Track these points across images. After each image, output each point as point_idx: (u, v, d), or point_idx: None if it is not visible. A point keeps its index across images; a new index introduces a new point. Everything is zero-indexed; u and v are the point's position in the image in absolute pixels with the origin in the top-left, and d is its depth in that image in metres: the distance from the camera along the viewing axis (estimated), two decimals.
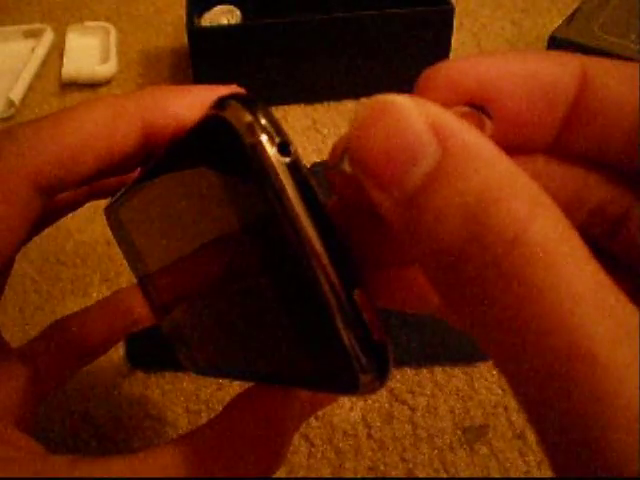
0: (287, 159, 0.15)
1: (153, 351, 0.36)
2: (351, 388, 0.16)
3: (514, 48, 0.61)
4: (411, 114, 0.13)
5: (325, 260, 0.14)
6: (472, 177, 0.12)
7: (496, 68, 0.14)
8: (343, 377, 0.16)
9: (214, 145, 0.15)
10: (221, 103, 0.15)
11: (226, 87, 0.21)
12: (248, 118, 0.14)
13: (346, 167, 0.14)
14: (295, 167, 0.15)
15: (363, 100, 0.13)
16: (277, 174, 0.15)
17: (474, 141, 0.12)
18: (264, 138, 0.14)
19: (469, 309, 0.12)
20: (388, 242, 0.16)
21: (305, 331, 0.16)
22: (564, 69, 0.14)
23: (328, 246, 0.15)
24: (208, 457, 0.18)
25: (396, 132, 0.13)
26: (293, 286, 0.16)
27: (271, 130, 0.15)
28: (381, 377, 0.16)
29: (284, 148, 0.15)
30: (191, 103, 0.20)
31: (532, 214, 0.11)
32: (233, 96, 0.15)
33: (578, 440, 0.10)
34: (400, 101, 0.13)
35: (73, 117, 0.19)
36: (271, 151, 0.15)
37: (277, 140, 0.15)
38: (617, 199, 0.14)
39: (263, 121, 0.15)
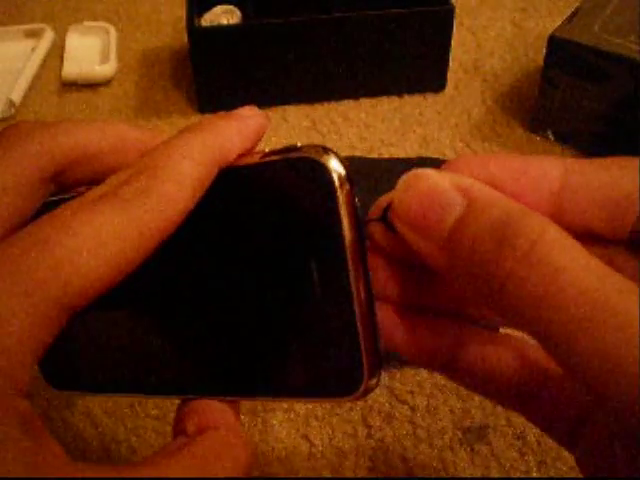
0: (356, 204, 0.19)
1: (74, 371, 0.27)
2: (351, 392, 0.19)
3: (514, 48, 0.61)
4: (438, 179, 0.17)
5: (361, 278, 0.19)
6: (493, 209, 0.16)
7: (500, 167, 0.18)
8: (345, 382, 0.19)
9: (304, 179, 0.19)
10: (318, 149, 0.19)
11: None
12: (343, 171, 0.19)
13: (393, 223, 0.19)
14: (356, 211, 0.19)
15: (403, 176, 0.17)
16: (347, 216, 0.19)
17: (489, 191, 0.17)
18: (347, 187, 0.19)
19: (508, 303, 0.16)
20: (412, 283, 0.21)
21: (317, 337, 0.20)
22: (551, 167, 0.18)
23: (364, 271, 0.19)
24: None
25: (429, 192, 0.17)
26: (320, 298, 0.19)
27: (349, 185, 0.19)
28: (378, 382, 0.20)
29: (351, 187, 0.19)
30: (249, 139, 0.21)
31: (545, 224, 0.16)
32: (327, 148, 0.19)
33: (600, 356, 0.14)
34: (429, 172, 0.18)
35: (170, 173, 0.18)
36: (345, 195, 0.19)
37: (351, 191, 0.19)
38: None
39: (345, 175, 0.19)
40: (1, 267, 0.16)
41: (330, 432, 0.33)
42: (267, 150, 0.20)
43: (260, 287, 0.21)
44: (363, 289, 0.19)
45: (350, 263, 0.19)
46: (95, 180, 0.21)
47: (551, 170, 0.18)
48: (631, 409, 0.14)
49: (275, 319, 0.20)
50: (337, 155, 0.19)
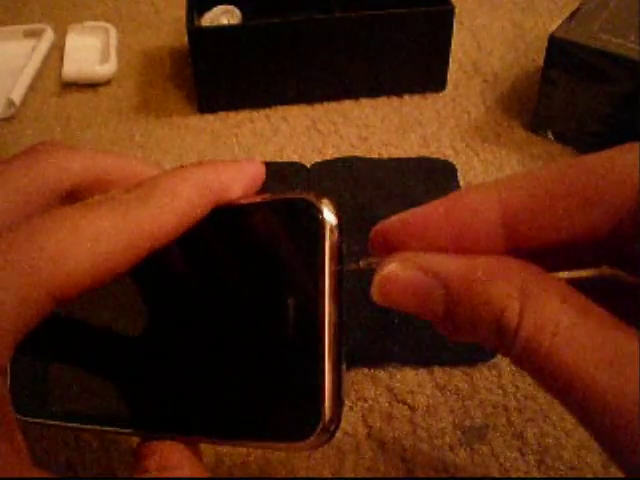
0: (342, 254, 0.19)
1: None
2: (304, 435, 0.19)
3: (514, 48, 0.61)
4: (405, 271, 0.18)
5: (334, 330, 0.19)
6: (469, 293, 0.17)
7: (431, 224, 0.19)
8: (302, 425, 0.19)
9: (296, 221, 0.19)
10: (314, 195, 0.20)
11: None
12: (335, 220, 0.19)
13: (375, 299, 0.19)
14: (341, 261, 0.19)
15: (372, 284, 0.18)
16: (331, 264, 0.19)
17: (456, 264, 0.18)
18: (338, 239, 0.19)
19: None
20: None
21: (279, 381, 0.20)
22: (485, 203, 0.18)
23: (339, 318, 0.19)
24: None
25: (408, 290, 0.18)
26: (291, 342, 0.19)
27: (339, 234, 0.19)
28: (334, 431, 0.19)
29: (340, 234, 0.19)
30: (247, 182, 0.22)
31: (523, 298, 0.16)
32: (324, 195, 0.20)
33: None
34: (390, 269, 0.18)
35: (169, 190, 0.19)
36: (332, 241, 0.19)
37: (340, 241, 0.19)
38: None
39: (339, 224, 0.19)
40: (1, 245, 0.17)
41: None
42: (267, 195, 0.21)
43: (232, 325, 0.21)
44: (335, 334, 0.19)
45: (326, 309, 0.19)
46: None
47: (483, 197, 0.18)
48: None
49: (241, 358, 0.21)
50: (332, 202, 0.19)
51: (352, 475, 0.31)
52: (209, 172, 0.21)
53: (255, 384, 0.20)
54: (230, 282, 0.21)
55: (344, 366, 0.19)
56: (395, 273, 0.18)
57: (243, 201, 0.21)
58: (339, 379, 0.19)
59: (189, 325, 0.21)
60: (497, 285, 0.17)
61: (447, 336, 0.19)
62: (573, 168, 0.19)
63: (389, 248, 0.19)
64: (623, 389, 0.15)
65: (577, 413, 0.16)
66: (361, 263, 0.20)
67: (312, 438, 0.19)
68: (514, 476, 0.31)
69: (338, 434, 0.32)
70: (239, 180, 0.21)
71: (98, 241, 0.17)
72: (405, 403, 0.34)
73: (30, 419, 0.23)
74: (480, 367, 0.35)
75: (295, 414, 0.19)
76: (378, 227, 0.20)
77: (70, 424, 0.24)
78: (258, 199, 0.21)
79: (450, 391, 0.34)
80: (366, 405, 0.34)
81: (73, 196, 0.23)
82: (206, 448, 0.29)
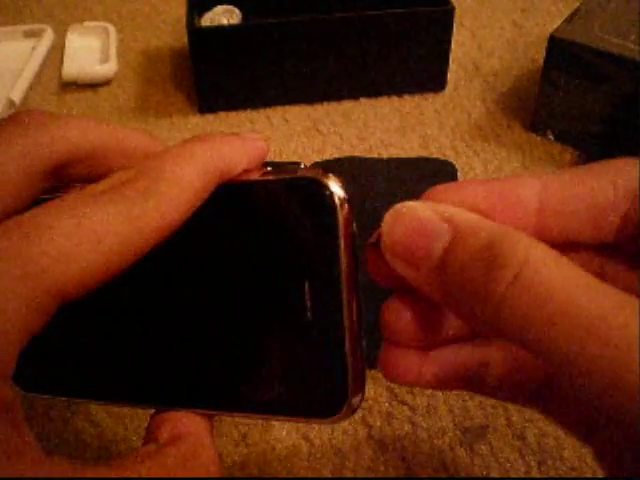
0: (354, 228, 0.19)
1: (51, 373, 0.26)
2: (331, 412, 0.19)
3: (514, 48, 0.61)
4: (422, 210, 0.18)
5: (353, 305, 0.19)
6: (478, 235, 0.17)
7: (477, 192, 0.19)
8: (329, 401, 0.19)
9: (306, 199, 0.19)
10: (319, 171, 0.19)
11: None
12: (344, 194, 0.19)
13: (382, 231, 0.19)
14: (354, 235, 0.19)
15: (389, 210, 0.18)
16: (345, 238, 0.19)
17: (472, 216, 0.18)
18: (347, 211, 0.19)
19: (503, 324, 0.16)
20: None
21: (304, 358, 0.20)
22: (527, 186, 0.19)
23: (356, 293, 0.19)
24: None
25: (415, 224, 0.18)
26: (312, 318, 0.19)
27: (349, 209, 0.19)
28: (359, 405, 0.20)
29: (351, 211, 0.19)
30: (250, 158, 0.21)
31: (530, 244, 0.16)
32: (328, 170, 0.19)
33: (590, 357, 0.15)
34: (413, 204, 0.18)
35: (172, 176, 0.18)
36: (344, 218, 0.19)
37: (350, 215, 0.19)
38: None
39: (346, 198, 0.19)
40: (1, 247, 0.16)
41: (330, 432, 0.33)
42: (268, 168, 0.21)
43: (250, 303, 0.20)
44: (355, 311, 0.19)
45: (344, 285, 0.19)
46: (93, 178, 0.21)
47: (528, 189, 0.19)
48: (631, 423, 0.14)
49: (263, 335, 0.20)
50: (338, 178, 0.19)
51: (352, 475, 0.31)
52: (214, 150, 0.20)
53: (278, 361, 0.20)
54: (245, 262, 0.20)
55: (364, 341, 0.19)
56: (412, 207, 0.18)
57: (247, 178, 0.20)
58: (361, 354, 0.19)
59: (205, 305, 0.21)
60: (507, 231, 0.17)
61: (424, 294, 0.18)
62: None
63: None
64: (615, 313, 0.15)
65: (561, 341, 0.15)
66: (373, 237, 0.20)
67: (339, 414, 0.19)
68: (514, 476, 0.31)
69: (338, 434, 0.32)
70: (243, 156, 0.20)
71: (103, 240, 0.17)
72: (405, 403, 0.34)
73: (38, 394, 0.23)
74: None
75: (320, 391, 0.20)
76: (430, 192, 0.20)
77: (82, 400, 0.24)
78: (262, 176, 0.20)
79: (450, 391, 0.34)
80: (366, 405, 0.34)
81: (60, 170, 0.21)
82: None
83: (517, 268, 0.16)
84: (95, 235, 0.17)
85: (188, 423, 0.20)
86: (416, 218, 0.18)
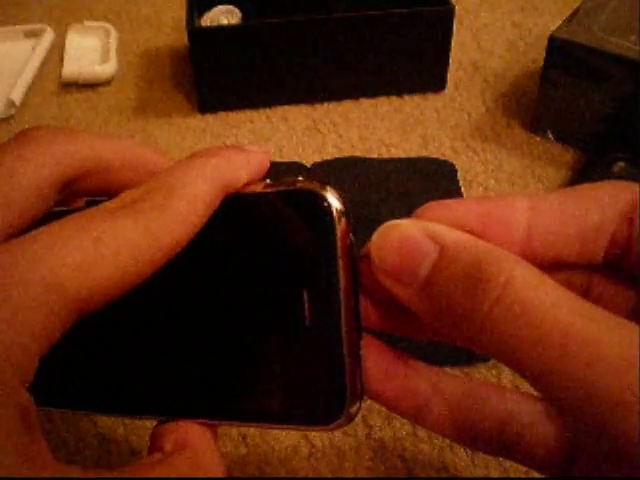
0: (351, 239, 0.20)
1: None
2: (330, 419, 0.20)
3: (514, 48, 0.61)
4: (410, 228, 0.18)
5: (352, 313, 0.19)
6: (464, 253, 0.17)
7: (466, 211, 0.19)
8: (328, 409, 0.20)
9: (304, 210, 0.20)
10: (317, 184, 0.20)
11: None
12: (342, 207, 0.20)
13: (371, 248, 0.19)
14: (352, 245, 0.20)
15: (378, 228, 0.19)
16: (342, 250, 0.19)
17: (459, 235, 0.18)
18: (344, 224, 0.20)
19: (487, 342, 0.16)
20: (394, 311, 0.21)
21: (302, 366, 0.20)
22: (516, 206, 0.19)
23: (355, 303, 0.20)
24: None
25: (403, 242, 0.18)
26: (310, 328, 0.20)
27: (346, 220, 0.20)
28: (358, 412, 0.20)
29: (348, 222, 0.20)
30: (253, 171, 0.22)
31: (514, 263, 0.16)
32: (326, 183, 0.20)
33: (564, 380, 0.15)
34: (401, 222, 0.19)
35: (184, 192, 0.19)
36: (342, 229, 0.20)
37: (349, 228, 0.20)
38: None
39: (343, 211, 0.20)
40: (23, 258, 0.16)
41: (330, 432, 0.33)
42: (267, 180, 0.21)
43: (249, 313, 0.21)
44: (353, 320, 0.19)
45: (342, 294, 0.19)
46: (103, 192, 0.22)
47: (518, 209, 0.19)
48: (615, 437, 0.14)
49: (262, 345, 0.21)
50: (336, 190, 0.20)
51: (352, 475, 0.31)
52: (221, 164, 0.20)
53: (277, 370, 0.21)
54: (243, 272, 0.21)
55: (362, 349, 0.20)
56: (401, 226, 0.19)
57: (248, 190, 0.21)
58: (359, 361, 0.20)
59: (204, 314, 0.21)
60: (492, 251, 0.17)
61: (414, 312, 0.19)
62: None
63: None
64: (597, 332, 0.15)
65: (543, 361, 0.15)
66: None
67: (338, 421, 0.19)
68: (514, 476, 0.31)
69: (338, 434, 0.32)
70: (246, 169, 0.21)
71: (121, 253, 0.17)
72: None
73: (43, 407, 0.23)
74: (480, 367, 0.35)
75: (319, 398, 0.20)
76: (422, 209, 0.20)
77: (86, 411, 0.24)
78: (263, 188, 0.21)
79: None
80: (366, 405, 0.34)
81: (71, 185, 0.22)
82: None
83: (500, 288, 0.16)
84: (114, 248, 0.17)
85: (191, 433, 0.21)
86: (404, 236, 0.18)
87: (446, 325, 0.18)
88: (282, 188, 0.20)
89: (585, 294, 0.18)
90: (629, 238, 0.18)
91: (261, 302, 0.21)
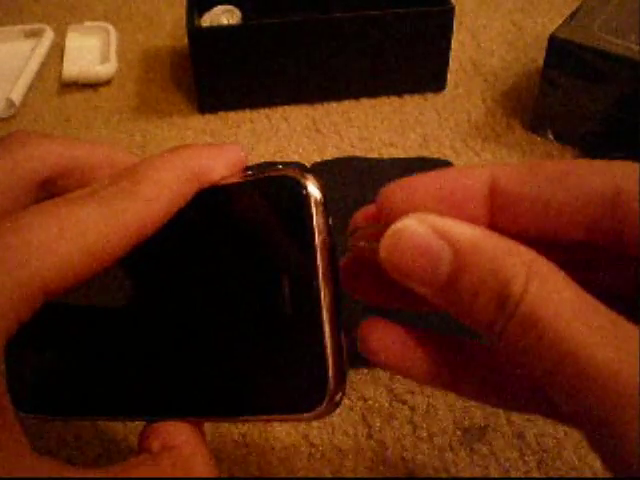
0: (329, 226, 0.20)
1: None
2: (312, 406, 0.19)
3: (514, 48, 0.61)
4: (420, 230, 0.18)
5: (331, 300, 0.19)
6: (480, 260, 0.17)
7: (426, 190, 0.19)
8: (309, 396, 0.19)
9: (283, 197, 0.20)
10: (295, 169, 0.20)
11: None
12: (319, 194, 0.20)
13: (381, 253, 0.18)
14: (330, 233, 0.20)
15: (387, 231, 0.18)
16: (320, 236, 0.19)
17: (470, 232, 0.17)
18: (322, 210, 0.20)
19: (504, 348, 0.17)
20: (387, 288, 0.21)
21: (282, 355, 0.20)
22: (475, 180, 0.19)
23: (334, 290, 0.20)
24: None
25: (416, 249, 0.18)
26: (289, 316, 0.20)
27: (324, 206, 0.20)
28: (340, 400, 0.20)
29: (326, 209, 0.20)
30: (228, 164, 0.22)
31: (530, 271, 0.16)
32: (305, 168, 0.20)
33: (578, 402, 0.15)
34: (409, 223, 0.18)
35: (151, 179, 0.19)
36: (320, 215, 0.20)
37: (325, 211, 0.20)
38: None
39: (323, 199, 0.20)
40: None
41: (330, 432, 0.33)
42: (249, 172, 0.21)
43: (229, 301, 0.21)
44: (333, 306, 0.19)
45: (321, 280, 0.19)
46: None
47: (476, 179, 0.19)
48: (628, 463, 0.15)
49: (242, 336, 0.21)
50: (314, 176, 0.20)
51: (352, 475, 0.31)
52: (192, 157, 0.21)
53: (259, 360, 0.20)
54: (222, 263, 0.21)
55: (343, 335, 0.20)
56: (410, 228, 0.18)
57: (226, 181, 0.21)
58: (340, 348, 0.20)
59: (186, 308, 0.21)
60: (507, 256, 0.17)
61: (439, 309, 0.19)
62: (564, 170, 0.18)
63: (386, 211, 0.20)
64: (624, 365, 0.15)
65: (568, 388, 0.15)
66: (359, 242, 0.20)
67: (320, 408, 0.19)
68: (514, 476, 0.31)
69: (338, 434, 0.32)
70: (221, 162, 0.21)
71: (85, 235, 0.18)
72: (405, 403, 0.34)
73: (30, 415, 0.23)
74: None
75: (301, 386, 0.20)
76: (385, 190, 0.20)
77: (73, 417, 0.24)
78: (241, 179, 0.21)
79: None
80: (366, 405, 0.34)
81: (48, 185, 0.22)
82: None
83: (513, 306, 0.16)
84: (75, 230, 0.18)
85: (178, 432, 0.21)
86: (415, 241, 0.18)
87: (467, 323, 0.18)
88: (259, 176, 0.20)
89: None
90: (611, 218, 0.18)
91: (240, 292, 0.21)
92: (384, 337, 0.21)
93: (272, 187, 0.20)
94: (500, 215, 0.19)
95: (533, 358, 0.16)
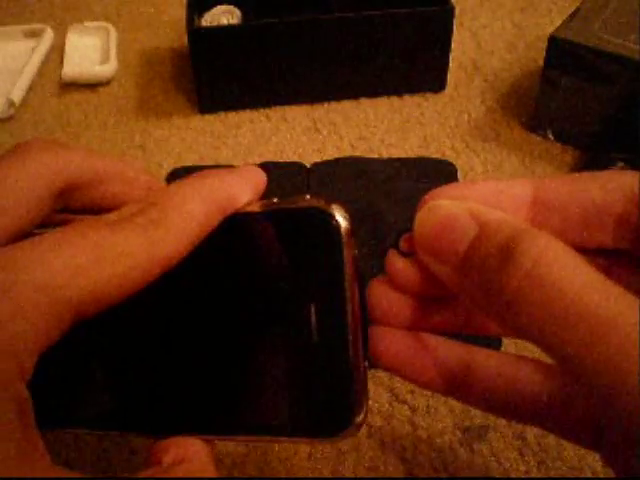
0: (355, 253, 0.20)
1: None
2: (337, 431, 0.20)
3: (514, 48, 0.61)
4: (453, 207, 0.19)
5: (359, 328, 0.20)
6: (501, 230, 0.17)
7: (477, 192, 0.20)
8: (335, 422, 0.20)
9: (312, 228, 0.20)
10: (322, 201, 0.20)
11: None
12: (348, 225, 0.20)
13: (414, 226, 0.20)
14: (357, 263, 0.20)
15: (421, 209, 0.20)
16: (349, 266, 0.20)
17: (498, 214, 0.18)
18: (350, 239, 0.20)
19: (515, 318, 0.17)
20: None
21: (307, 382, 0.20)
22: (521, 186, 0.20)
23: (362, 320, 0.20)
24: None
25: (446, 220, 0.19)
26: (313, 345, 0.20)
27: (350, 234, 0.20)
28: (363, 424, 0.20)
29: (354, 240, 0.20)
30: (252, 190, 0.22)
31: (548, 241, 0.16)
32: (332, 200, 0.20)
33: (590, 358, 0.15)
34: (444, 202, 0.19)
35: (181, 210, 0.20)
36: (349, 247, 0.20)
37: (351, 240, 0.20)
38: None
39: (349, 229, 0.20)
40: (25, 260, 0.17)
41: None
42: (276, 199, 0.21)
43: (257, 328, 0.21)
44: (359, 332, 0.20)
45: (349, 308, 0.20)
46: (96, 205, 0.23)
47: (520, 189, 0.20)
48: (635, 421, 0.14)
49: (269, 361, 0.21)
50: (342, 207, 0.20)
51: (352, 475, 0.31)
52: (217, 184, 0.21)
53: (287, 386, 0.21)
54: (251, 288, 0.21)
55: (367, 362, 0.20)
56: (446, 206, 0.19)
57: (251, 209, 0.21)
58: (364, 375, 0.20)
59: (210, 335, 0.22)
60: (522, 229, 0.17)
61: (448, 286, 0.19)
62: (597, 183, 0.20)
63: None
64: (624, 316, 0.15)
65: (569, 342, 0.15)
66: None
67: (345, 433, 0.20)
68: (514, 476, 0.31)
69: None
70: (245, 188, 0.22)
71: (118, 261, 0.18)
72: (405, 403, 0.34)
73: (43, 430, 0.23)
74: None
75: (328, 411, 0.20)
76: (432, 192, 0.21)
77: (85, 430, 0.24)
78: (268, 207, 0.21)
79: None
80: None
81: (65, 196, 0.22)
82: None
83: (530, 264, 0.16)
84: (112, 255, 0.18)
85: (191, 447, 0.21)
86: (447, 214, 0.19)
87: (480, 303, 0.18)
88: (288, 206, 0.21)
89: None
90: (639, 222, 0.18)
91: (268, 317, 0.21)
92: (394, 342, 0.21)
93: (300, 217, 0.20)
94: (540, 223, 0.20)
95: (547, 321, 0.16)
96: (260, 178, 0.23)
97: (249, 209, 0.21)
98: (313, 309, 0.20)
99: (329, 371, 0.20)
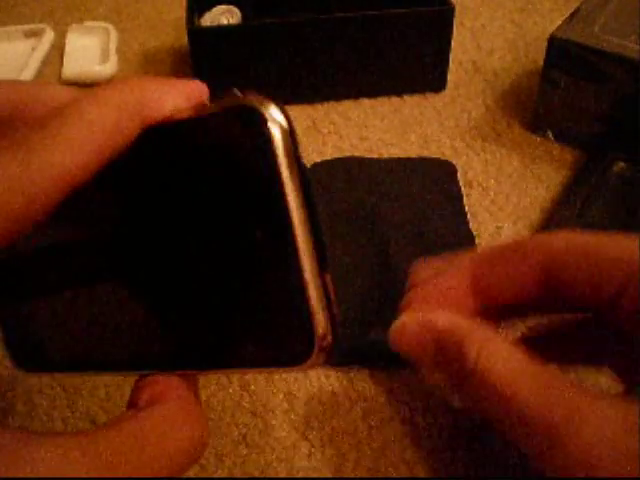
0: (296, 154, 0.18)
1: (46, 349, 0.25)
2: (302, 357, 0.18)
3: (514, 48, 0.61)
4: (412, 325, 0.26)
5: (307, 237, 0.18)
6: (450, 340, 0.24)
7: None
8: (297, 345, 0.18)
9: (241, 130, 0.18)
10: (257, 98, 0.18)
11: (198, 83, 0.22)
12: (285, 121, 0.18)
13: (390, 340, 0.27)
14: (301, 168, 0.18)
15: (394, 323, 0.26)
16: (285, 166, 0.18)
17: (447, 322, 0.25)
18: (285, 132, 0.18)
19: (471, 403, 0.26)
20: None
21: (264, 302, 0.19)
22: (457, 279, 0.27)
23: (311, 227, 0.18)
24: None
25: (409, 340, 0.26)
26: (265, 259, 0.18)
27: (287, 127, 0.18)
28: (331, 347, 0.18)
29: (294, 141, 0.18)
30: (180, 97, 0.20)
31: (483, 343, 0.23)
32: (267, 97, 0.18)
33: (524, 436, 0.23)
34: (401, 321, 0.27)
35: (80, 118, 0.18)
36: (287, 147, 0.18)
37: (290, 136, 0.18)
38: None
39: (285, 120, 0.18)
40: None
41: (330, 432, 0.33)
42: (207, 106, 0.19)
43: (201, 253, 0.19)
44: (311, 242, 0.18)
45: (294, 219, 0.17)
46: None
47: (461, 279, 0.26)
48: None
49: (219, 287, 0.19)
50: (278, 104, 0.18)
51: (352, 475, 0.31)
52: (134, 89, 0.19)
53: (239, 310, 0.19)
54: (184, 206, 0.19)
55: (329, 277, 0.18)
56: (403, 326, 0.26)
57: (181, 117, 0.19)
58: (325, 291, 0.18)
59: (156, 258, 0.20)
60: (466, 337, 0.24)
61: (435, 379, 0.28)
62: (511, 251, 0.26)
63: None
64: (553, 407, 0.21)
65: (508, 427, 0.23)
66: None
67: (311, 358, 0.18)
68: (514, 476, 0.31)
69: (338, 434, 0.32)
70: (171, 94, 0.19)
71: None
72: (405, 403, 0.34)
73: (34, 373, 0.23)
74: None
75: (288, 335, 0.18)
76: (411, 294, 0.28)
77: (71, 372, 0.24)
78: (196, 112, 0.19)
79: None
80: (366, 405, 0.34)
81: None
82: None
83: (472, 365, 0.23)
84: (81, 124, 0.17)
85: (167, 386, 0.20)
86: (410, 333, 0.26)
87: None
88: (213, 109, 0.19)
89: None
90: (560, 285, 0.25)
91: (209, 240, 0.19)
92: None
93: (230, 119, 0.18)
94: (481, 295, 0.26)
95: (488, 409, 0.23)
96: (195, 87, 0.20)
97: (177, 117, 0.19)
98: (257, 220, 0.18)
99: (283, 292, 0.18)
